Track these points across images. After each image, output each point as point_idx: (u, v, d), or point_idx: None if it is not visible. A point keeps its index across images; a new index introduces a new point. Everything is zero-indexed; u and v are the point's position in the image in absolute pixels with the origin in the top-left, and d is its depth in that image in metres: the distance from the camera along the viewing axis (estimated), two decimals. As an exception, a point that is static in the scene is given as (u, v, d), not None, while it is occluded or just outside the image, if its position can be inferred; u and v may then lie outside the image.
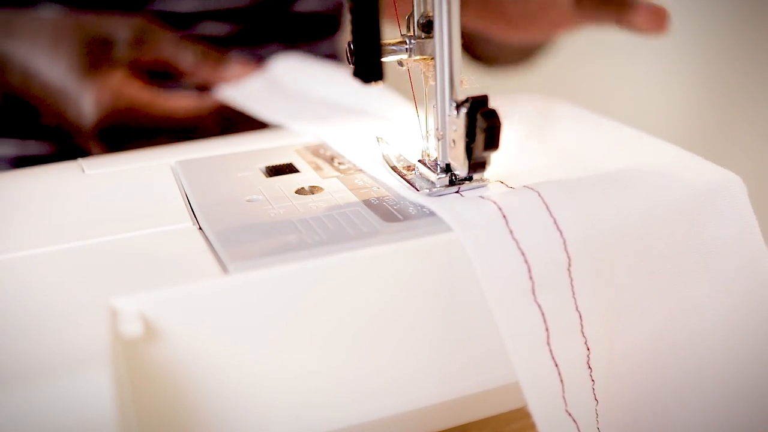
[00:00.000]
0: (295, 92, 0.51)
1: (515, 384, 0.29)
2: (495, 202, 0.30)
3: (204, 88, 0.59)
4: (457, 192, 0.32)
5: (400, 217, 0.32)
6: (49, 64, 0.55)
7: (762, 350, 0.33)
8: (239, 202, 0.34)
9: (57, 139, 0.61)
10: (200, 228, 0.32)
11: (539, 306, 0.29)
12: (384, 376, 0.31)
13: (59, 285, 0.29)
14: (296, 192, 0.35)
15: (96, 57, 0.55)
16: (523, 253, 0.29)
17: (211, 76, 0.58)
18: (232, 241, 0.30)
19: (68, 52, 0.55)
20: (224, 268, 0.29)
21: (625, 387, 0.32)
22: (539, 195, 0.30)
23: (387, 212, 0.32)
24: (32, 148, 0.62)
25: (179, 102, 0.56)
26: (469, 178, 0.32)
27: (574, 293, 0.30)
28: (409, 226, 0.31)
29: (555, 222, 0.30)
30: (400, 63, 0.33)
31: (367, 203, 0.33)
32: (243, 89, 0.54)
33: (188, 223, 0.33)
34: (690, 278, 0.32)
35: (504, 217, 0.29)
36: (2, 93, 0.57)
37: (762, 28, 1.11)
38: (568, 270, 0.30)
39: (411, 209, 0.32)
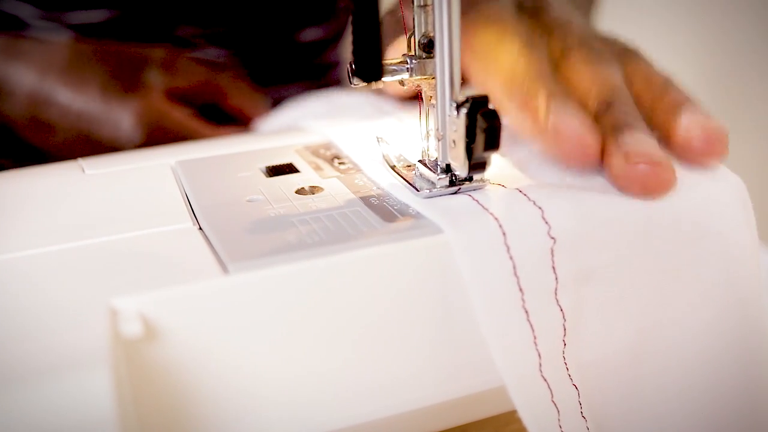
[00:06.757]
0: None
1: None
2: (497, 219, 0.30)
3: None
4: (458, 191, 0.32)
5: (400, 217, 0.32)
6: (71, 89, 0.54)
7: (741, 360, 0.33)
8: (239, 202, 0.34)
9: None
10: (200, 228, 0.32)
11: (530, 323, 0.30)
12: (384, 375, 0.31)
13: (59, 285, 0.29)
14: (296, 192, 0.35)
15: (132, 80, 0.54)
16: (511, 258, 0.29)
17: (249, 110, 0.57)
18: (232, 241, 0.30)
19: (96, 78, 0.53)
20: (224, 268, 0.29)
21: (606, 391, 0.32)
22: (541, 213, 0.30)
23: (387, 212, 0.32)
24: None
25: (228, 135, 0.54)
26: (469, 179, 0.32)
27: (561, 308, 0.30)
28: (410, 225, 0.31)
29: (551, 245, 0.30)
30: (402, 83, 0.33)
31: (368, 203, 0.33)
32: (281, 118, 0.53)
33: (188, 223, 0.33)
34: (680, 282, 0.32)
35: (504, 234, 0.30)
36: None
37: (762, 28, 1.11)
38: (555, 290, 0.30)
39: (411, 209, 0.32)
